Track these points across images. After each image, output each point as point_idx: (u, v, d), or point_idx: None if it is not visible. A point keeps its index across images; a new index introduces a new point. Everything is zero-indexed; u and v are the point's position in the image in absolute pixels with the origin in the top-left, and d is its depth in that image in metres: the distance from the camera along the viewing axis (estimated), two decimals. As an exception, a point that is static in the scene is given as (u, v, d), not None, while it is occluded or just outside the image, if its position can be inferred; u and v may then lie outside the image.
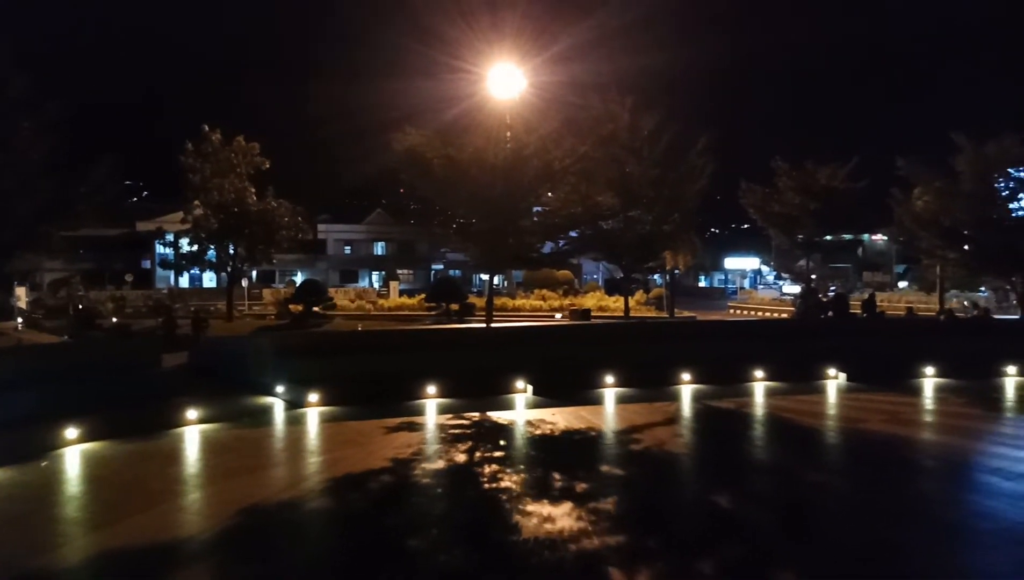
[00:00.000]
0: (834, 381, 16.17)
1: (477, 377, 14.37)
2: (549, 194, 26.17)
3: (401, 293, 49.65)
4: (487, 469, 9.28)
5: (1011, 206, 28.15)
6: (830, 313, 30.27)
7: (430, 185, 23.43)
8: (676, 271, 42.63)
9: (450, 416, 12.54)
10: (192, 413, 11.75)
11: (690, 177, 30.22)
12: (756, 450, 10.94)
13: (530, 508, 7.56)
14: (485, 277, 35.50)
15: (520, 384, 14.61)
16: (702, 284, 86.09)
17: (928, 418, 13.15)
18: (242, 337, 23.51)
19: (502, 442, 10.83)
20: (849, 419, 12.58)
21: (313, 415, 12.65)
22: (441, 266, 71.80)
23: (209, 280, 55.35)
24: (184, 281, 56.27)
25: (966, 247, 29.10)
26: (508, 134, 22.85)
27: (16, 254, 23.90)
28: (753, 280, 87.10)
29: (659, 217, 30.28)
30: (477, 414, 12.63)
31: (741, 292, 70.68)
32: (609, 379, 15.15)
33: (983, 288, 39.29)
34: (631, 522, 7.33)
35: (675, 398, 14.40)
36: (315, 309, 35.34)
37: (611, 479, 9.08)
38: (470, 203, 23.23)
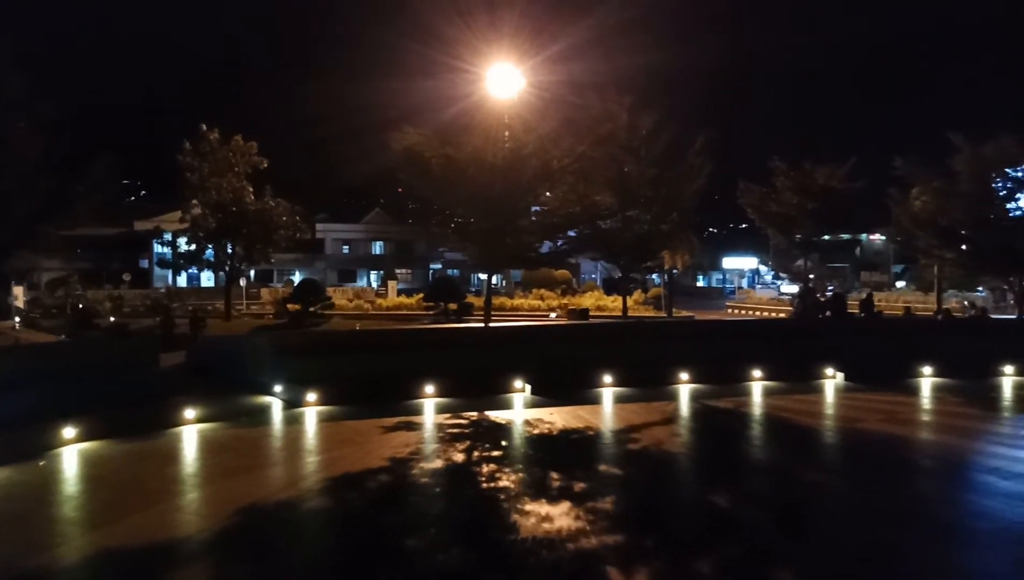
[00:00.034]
0: (832, 381, 16.20)
1: (475, 376, 14.38)
2: (547, 193, 26.14)
3: (399, 292, 49.64)
4: (485, 468, 9.28)
5: (1008, 206, 28.14)
6: (828, 313, 30.29)
7: (428, 185, 23.39)
8: (674, 271, 42.64)
9: (448, 415, 12.55)
10: (190, 412, 11.75)
11: (688, 177, 30.22)
12: (754, 450, 10.96)
13: (528, 507, 7.57)
14: (483, 276, 35.44)
15: (518, 383, 14.62)
16: (700, 284, 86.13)
17: (925, 418, 13.17)
18: (240, 336, 23.49)
19: (500, 441, 10.83)
20: (847, 419, 12.59)
21: (311, 414, 12.65)
22: (439, 265, 71.76)
23: (207, 279, 55.41)
24: (182, 280, 56.22)
25: (963, 247, 29.13)
26: (506, 133, 22.82)
27: (14, 253, 23.82)
28: (751, 280, 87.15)
29: (657, 217, 30.28)
30: (475, 413, 12.64)
31: (739, 292, 70.69)
32: (607, 378, 15.16)
33: (980, 288, 39.36)
34: (629, 521, 7.33)
35: (673, 398, 14.42)
36: (313, 308, 35.31)
37: (609, 478, 9.09)
38: (468, 202, 23.19)
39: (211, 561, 6.46)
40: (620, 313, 33.66)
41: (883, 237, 57.60)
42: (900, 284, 63.92)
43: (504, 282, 59.58)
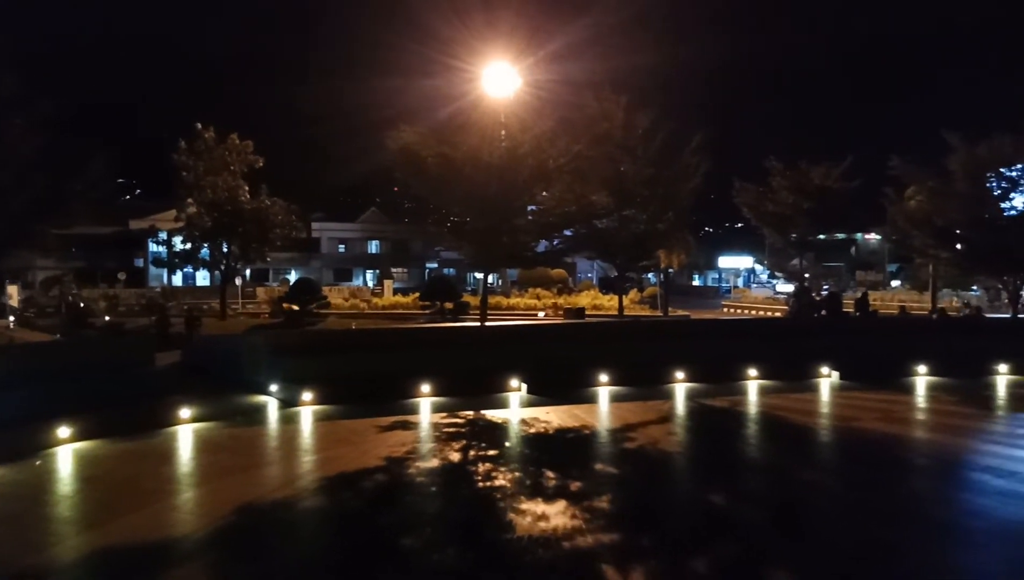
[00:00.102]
0: (827, 379, 16.23)
1: (471, 376, 14.38)
2: (544, 193, 26.12)
3: (395, 291, 49.60)
4: (481, 467, 9.29)
5: (1003, 206, 28.23)
6: (823, 312, 30.40)
7: (424, 184, 23.41)
8: (670, 270, 42.70)
9: (444, 415, 12.54)
10: (185, 412, 11.73)
11: (684, 176, 30.21)
12: (749, 448, 10.97)
13: (524, 506, 7.57)
14: (479, 276, 35.48)
15: (514, 383, 14.63)
16: (696, 283, 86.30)
17: (920, 416, 13.20)
18: (236, 335, 23.46)
19: (496, 441, 10.84)
20: (842, 417, 12.64)
21: (307, 414, 12.63)
22: (435, 265, 71.74)
23: (202, 278, 55.27)
24: (177, 279, 56.11)
25: (958, 246, 29.22)
26: (503, 133, 22.83)
27: (8, 252, 23.77)
28: (747, 279, 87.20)
29: (653, 216, 30.27)
30: (471, 413, 12.64)
31: (735, 291, 70.78)
32: (603, 378, 15.17)
33: (975, 287, 39.50)
34: (625, 520, 7.35)
35: (669, 397, 14.44)
36: (309, 308, 35.27)
37: (605, 477, 9.11)
38: (465, 201, 23.21)
39: (207, 561, 6.44)
40: (616, 312, 33.68)
41: (879, 236, 57.81)
42: (895, 283, 64.14)
43: (500, 281, 59.58)
